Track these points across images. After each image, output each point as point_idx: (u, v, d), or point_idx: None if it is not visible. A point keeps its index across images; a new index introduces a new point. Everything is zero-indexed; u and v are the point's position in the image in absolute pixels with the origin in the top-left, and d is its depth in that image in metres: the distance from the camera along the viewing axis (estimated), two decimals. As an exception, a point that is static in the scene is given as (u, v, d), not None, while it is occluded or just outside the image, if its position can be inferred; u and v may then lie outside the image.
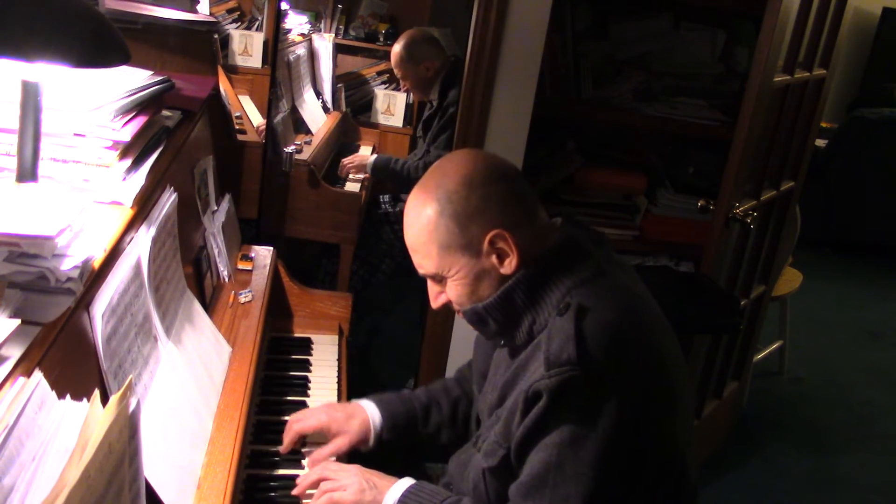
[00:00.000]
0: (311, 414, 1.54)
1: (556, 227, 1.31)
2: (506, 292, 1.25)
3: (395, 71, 3.36)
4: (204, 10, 2.67)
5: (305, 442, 1.54)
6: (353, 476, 1.37)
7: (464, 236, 1.23)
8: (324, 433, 1.51)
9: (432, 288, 1.33)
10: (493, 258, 1.24)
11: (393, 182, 3.29)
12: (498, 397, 1.31)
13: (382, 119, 3.99)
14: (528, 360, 1.24)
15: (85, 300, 1.06)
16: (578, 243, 1.28)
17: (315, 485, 1.40)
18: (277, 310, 2.01)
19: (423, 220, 1.25)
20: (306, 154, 3.01)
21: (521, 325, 1.26)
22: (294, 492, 1.41)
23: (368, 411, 1.53)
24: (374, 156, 3.30)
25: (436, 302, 1.34)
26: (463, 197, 1.23)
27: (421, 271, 1.31)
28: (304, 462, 1.51)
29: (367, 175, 3.31)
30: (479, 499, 1.32)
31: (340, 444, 1.50)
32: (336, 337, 1.99)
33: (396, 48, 3.28)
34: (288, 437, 1.51)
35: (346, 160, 3.37)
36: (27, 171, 1.14)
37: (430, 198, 1.25)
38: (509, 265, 1.24)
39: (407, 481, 1.36)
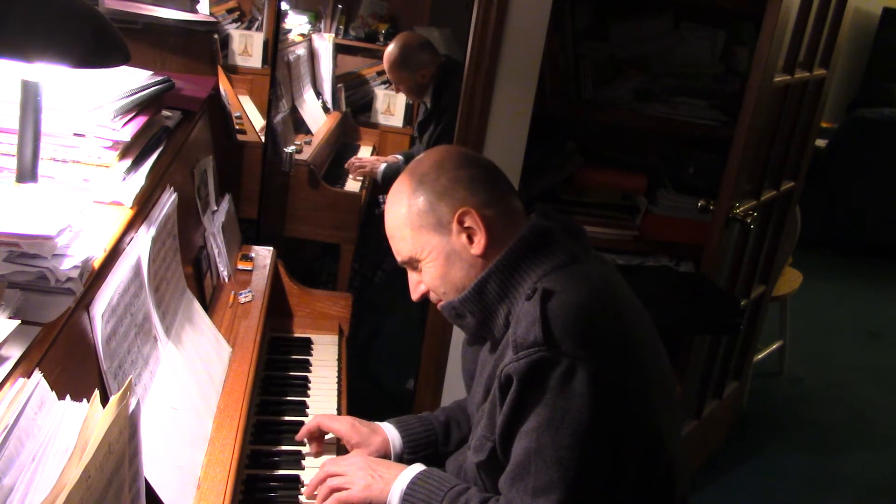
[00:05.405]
0: (338, 419, 1.56)
1: (529, 219, 1.33)
2: (479, 284, 1.28)
3: (389, 75, 3.39)
4: (204, 10, 2.67)
5: (306, 443, 1.54)
6: (359, 470, 1.37)
7: (433, 215, 1.29)
8: (344, 441, 1.51)
9: (411, 278, 1.38)
10: (463, 237, 1.29)
11: None
12: (483, 393, 1.33)
13: (382, 119, 3.99)
14: (505, 349, 1.25)
15: (85, 300, 1.06)
16: (548, 232, 1.29)
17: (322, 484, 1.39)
18: (277, 310, 2.01)
19: (398, 206, 1.32)
20: (306, 154, 3.01)
21: (497, 317, 1.29)
22: (305, 495, 1.40)
23: (389, 434, 1.53)
24: (384, 165, 3.34)
25: (415, 292, 1.38)
26: (433, 178, 1.30)
27: (398, 258, 1.36)
28: (305, 463, 1.51)
29: (369, 176, 3.33)
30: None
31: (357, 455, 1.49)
32: (336, 337, 1.99)
33: (391, 55, 3.27)
34: (306, 426, 1.52)
35: (358, 161, 3.39)
36: (27, 171, 1.14)
37: (405, 186, 1.33)
38: (479, 245, 1.28)
39: (416, 468, 1.36)
